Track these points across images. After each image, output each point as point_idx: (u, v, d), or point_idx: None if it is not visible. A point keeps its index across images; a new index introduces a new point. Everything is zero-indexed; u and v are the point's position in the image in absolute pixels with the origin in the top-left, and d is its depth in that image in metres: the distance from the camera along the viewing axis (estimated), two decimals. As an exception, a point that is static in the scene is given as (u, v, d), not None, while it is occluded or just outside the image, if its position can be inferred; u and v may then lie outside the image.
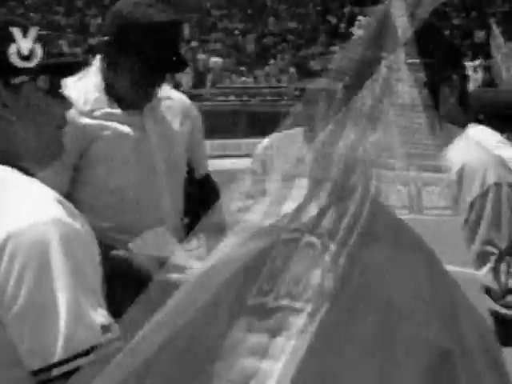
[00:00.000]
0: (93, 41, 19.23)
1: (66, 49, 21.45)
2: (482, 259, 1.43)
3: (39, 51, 1.25)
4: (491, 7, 23.75)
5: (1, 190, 1.20)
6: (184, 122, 2.34)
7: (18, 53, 1.23)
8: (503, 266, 1.42)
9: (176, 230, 2.27)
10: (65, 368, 1.09)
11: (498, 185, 1.44)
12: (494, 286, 1.42)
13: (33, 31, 1.25)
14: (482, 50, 20.10)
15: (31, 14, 21.74)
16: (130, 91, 2.17)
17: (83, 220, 1.24)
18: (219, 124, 7.25)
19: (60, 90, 1.31)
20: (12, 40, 1.23)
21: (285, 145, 2.54)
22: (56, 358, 1.09)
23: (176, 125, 2.32)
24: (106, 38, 2.18)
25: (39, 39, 1.26)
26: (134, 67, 2.11)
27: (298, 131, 2.50)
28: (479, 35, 21.69)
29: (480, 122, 2.28)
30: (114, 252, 2.06)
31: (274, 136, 2.61)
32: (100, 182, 2.17)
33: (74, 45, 21.12)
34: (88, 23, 23.23)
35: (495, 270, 1.43)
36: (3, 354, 1.13)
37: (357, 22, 1.54)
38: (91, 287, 1.17)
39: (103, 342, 1.12)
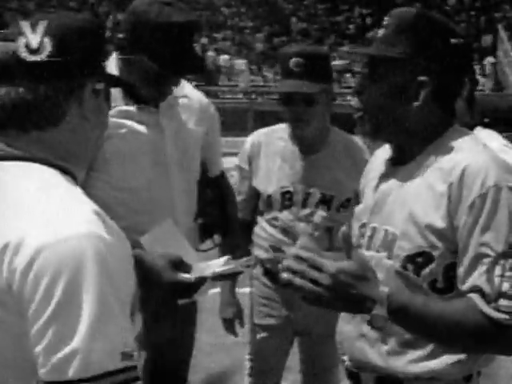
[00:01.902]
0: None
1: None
2: (476, 261, 1.41)
3: (48, 45, 1.22)
4: (499, 12, 23.64)
5: (34, 198, 1.16)
6: (200, 122, 2.31)
7: (27, 46, 1.21)
8: (498, 269, 1.40)
9: (189, 230, 2.25)
10: None
11: (497, 186, 1.41)
12: (487, 288, 1.39)
13: (42, 25, 1.23)
14: (489, 54, 20.05)
15: (43, 10, 21.63)
16: (145, 89, 2.12)
17: (120, 233, 1.21)
18: (228, 122, 7.33)
19: (109, 95, 1.35)
20: (21, 33, 1.22)
21: (270, 141, 2.58)
22: (69, 376, 1.05)
23: (192, 124, 2.28)
24: (121, 35, 2.13)
25: (48, 33, 1.23)
26: (147, 65, 2.06)
27: (283, 128, 2.56)
28: (486, 39, 21.62)
29: (486, 125, 2.27)
30: (136, 252, 1.98)
31: (260, 133, 2.63)
32: (113, 180, 2.13)
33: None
34: (100, 19, 23.22)
35: (489, 273, 1.40)
36: (20, 362, 1.11)
37: (383, 23, 1.59)
38: (120, 308, 1.12)
39: (119, 370, 1.08)
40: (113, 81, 1.34)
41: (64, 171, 1.23)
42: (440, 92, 1.54)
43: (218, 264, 1.95)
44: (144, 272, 1.85)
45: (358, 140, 2.59)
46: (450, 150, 1.51)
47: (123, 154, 2.12)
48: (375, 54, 1.56)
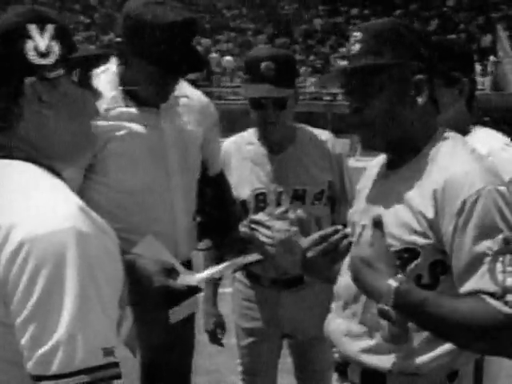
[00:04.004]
0: (105, 38, 19.18)
1: (78, 46, 21.24)
2: (474, 263, 1.41)
3: (56, 48, 1.22)
4: (497, 11, 23.62)
5: (23, 191, 1.16)
6: (200, 121, 2.29)
7: (36, 50, 1.21)
8: (499, 266, 1.40)
9: (188, 230, 2.26)
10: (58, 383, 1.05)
11: (486, 189, 1.42)
12: (492, 288, 1.39)
13: (50, 28, 1.22)
14: (489, 54, 20.05)
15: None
16: (146, 91, 2.11)
17: (106, 228, 1.18)
18: (231, 123, 7.40)
19: (90, 82, 1.29)
20: (29, 37, 1.21)
21: (240, 148, 2.58)
22: (52, 371, 1.05)
23: (192, 124, 2.27)
24: (117, 38, 2.09)
25: (56, 36, 1.22)
26: (147, 68, 2.03)
27: (251, 132, 2.58)
28: (486, 40, 21.61)
29: (486, 124, 2.26)
30: (129, 256, 1.95)
31: (229, 141, 2.63)
32: (113, 182, 2.12)
33: (87, 42, 21.10)
34: (101, 20, 23.22)
35: (491, 272, 1.40)
36: (7, 352, 1.11)
37: (351, 39, 1.59)
38: (103, 304, 1.10)
39: (101, 366, 1.07)
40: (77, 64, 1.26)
41: (47, 168, 1.22)
42: (432, 91, 1.59)
43: (202, 276, 2.01)
44: (136, 275, 1.90)
45: (323, 133, 2.64)
46: (438, 155, 1.53)
47: (123, 155, 2.10)
48: (374, 64, 1.54)
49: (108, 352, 1.08)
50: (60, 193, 1.17)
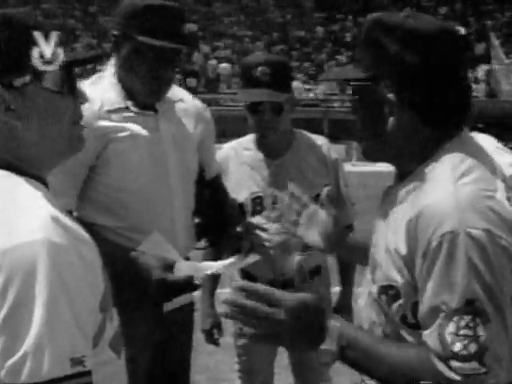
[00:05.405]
0: (107, 46, 19.24)
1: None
2: (431, 314, 1.27)
3: (61, 55, 1.22)
4: (491, 19, 23.73)
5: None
6: (197, 125, 2.36)
7: (41, 56, 1.20)
8: (451, 327, 1.25)
9: (187, 229, 2.33)
10: None
11: (454, 233, 1.23)
12: (438, 347, 1.26)
13: (54, 35, 1.22)
14: (483, 62, 20.15)
15: (46, 19, 21.53)
16: (140, 86, 2.15)
17: (84, 237, 1.19)
18: (229, 129, 7.47)
19: (72, 86, 1.26)
20: (34, 43, 1.20)
21: (238, 153, 2.63)
22: (20, 381, 1.07)
23: (189, 127, 2.33)
24: (114, 32, 2.17)
25: (60, 43, 1.23)
26: (142, 58, 2.10)
27: (248, 138, 2.65)
28: (479, 47, 21.68)
29: (480, 130, 2.28)
30: (133, 254, 2.04)
31: (227, 147, 2.68)
32: (115, 182, 2.17)
33: (88, 49, 21.11)
34: (103, 28, 23.22)
35: (441, 328, 1.25)
36: None
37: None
38: (75, 314, 1.11)
39: (69, 375, 1.09)
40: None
41: (29, 175, 1.22)
42: (420, 107, 1.36)
43: (203, 266, 2.06)
44: (138, 271, 1.96)
45: (319, 138, 2.70)
46: (428, 176, 1.35)
47: (124, 156, 2.16)
48: (335, 79, 1.54)
49: (76, 361, 1.10)
50: (32, 203, 1.16)
